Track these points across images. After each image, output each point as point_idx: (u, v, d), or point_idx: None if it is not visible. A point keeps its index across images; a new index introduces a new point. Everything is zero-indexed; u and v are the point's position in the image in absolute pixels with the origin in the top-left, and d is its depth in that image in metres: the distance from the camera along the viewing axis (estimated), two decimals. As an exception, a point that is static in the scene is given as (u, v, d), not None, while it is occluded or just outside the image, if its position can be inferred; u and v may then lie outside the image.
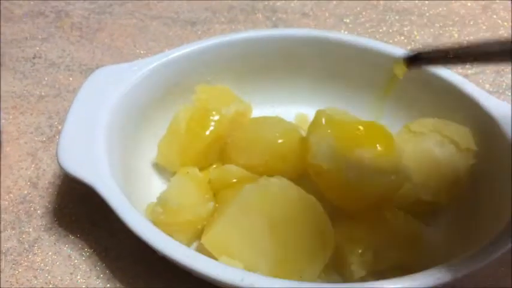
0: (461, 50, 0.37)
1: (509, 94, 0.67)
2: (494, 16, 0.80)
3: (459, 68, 0.71)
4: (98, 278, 0.49)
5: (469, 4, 0.83)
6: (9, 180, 0.56)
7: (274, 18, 0.80)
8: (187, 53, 0.57)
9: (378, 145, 0.48)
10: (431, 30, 0.78)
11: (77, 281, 0.49)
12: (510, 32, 0.77)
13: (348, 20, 0.80)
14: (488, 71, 0.71)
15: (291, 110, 0.62)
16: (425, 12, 0.81)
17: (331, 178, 0.47)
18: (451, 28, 0.78)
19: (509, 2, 0.82)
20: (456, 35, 0.77)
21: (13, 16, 0.79)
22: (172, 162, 0.54)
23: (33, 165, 0.58)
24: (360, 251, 0.46)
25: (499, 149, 0.50)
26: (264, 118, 0.57)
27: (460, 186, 0.51)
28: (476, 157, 0.51)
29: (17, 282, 0.48)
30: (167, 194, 0.49)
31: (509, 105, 0.52)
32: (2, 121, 0.62)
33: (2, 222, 0.53)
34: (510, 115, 0.50)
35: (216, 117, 0.54)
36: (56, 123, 0.63)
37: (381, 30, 0.78)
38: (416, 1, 0.83)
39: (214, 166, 0.56)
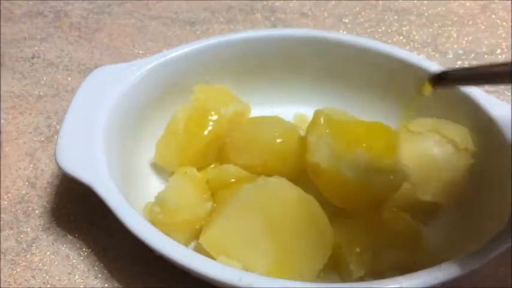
0: (487, 70, 0.36)
1: (509, 94, 0.67)
2: (493, 16, 0.80)
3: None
4: (96, 277, 0.49)
5: (467, 4, 0.83)
6: (7, 180, 0.56)
7: (273, 18, 0.80)
8: (186, 53, 0.57)
9: (376, 145, 0.48)
10: (430, 30, 0.78)
11: (75, 281, 0.48)
12: (509, 31, 0.77)
13: (346, 20, 0.80)
14: (487, 71, 0.71)
15: (289, 109, 0.61)
16: (424, 12, 0.81)
17: (330, 178, 0.47)
18: (449, 28, 0.78)
19: (509, 1, 0.82)
20: (455, 35, 0.77)
21: (12, 16, 0.79)
22: (171, 162, 0.54)
23: (31, 165, 0.58)
24: (358, 250, 0.46)
25: (498, 149, 0.50)
26: (263, 118, 0.57)
27: (459, 186, 0.51)
28: (475, 157, 0.51)
29: (15, 282, 0.48)
30: (165, 193, 0.49)
31: (508, 105, 0.52)
32: (1, 121, 0.62)
33: (0, 222, 0.53)
34: (509, 115, 0.50)
35: (215, 117, 0.54)
36: (54, 123, 0.63)
37: (379, 30, 0.78)
38: (415, 1, 0.83)
39: (213, 166, 0.56)
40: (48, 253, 0.50)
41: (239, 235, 0.45)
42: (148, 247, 0.42)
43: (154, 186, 0.54)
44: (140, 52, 0.74)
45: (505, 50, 0.74)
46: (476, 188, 0.51)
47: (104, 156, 0.48)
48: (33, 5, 0.81)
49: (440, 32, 0.78)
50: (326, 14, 0.81)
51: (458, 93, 0.53)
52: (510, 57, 0.73)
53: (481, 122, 0.52)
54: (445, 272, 0.40)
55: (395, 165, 0.48)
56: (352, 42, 0.59)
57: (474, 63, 0.72)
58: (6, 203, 0.54)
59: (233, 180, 0.51)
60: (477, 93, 0.53)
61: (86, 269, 0.49)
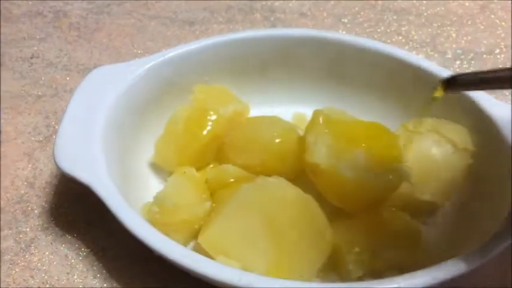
0: (499, 75, 0.36)
1: (508, 94, 0.67)
2: (492, 16, 0.80)
3: (456, 67, 0.71)
4: (94, 277, 0.49)
5: (466, 4, 0.83)
6: (6, 180, 0.56)
7: (272, 18, 0.80)
8: (185, 53, 0.57)
9: (375, 144, 0.48)
10: (429, 30, 0.78)
11: (74, 280, 0.48)
12: (508, 31, 0.77)
13: (346, 20, 0.80)
14: (486, 71, 0.71)
15: (288, 109, 0.62)
16: (423, 12, 0.81)
17: (329, 178, 0.47)
18: (448, 28, 0.78)
19: (507, 1, 0.82)
20: (454, 35, 0.77)
21: (11, 16, 0.79)
22: (170, 162, 0.54)
23: (30, 165, 0.58)
24: (357, 250, 0.46)
25: (497, 149, 0.50)
26: (262, 118, 0.57)
27: (458, 186, 0.51)
28: (475, 157, 0.51)
29: (14, 282, 0.48)
30: (164, 193, 0.49)
31: (508, 105, 0.52)
32: (0, 121, 0.62)
33: (-1, 222, 0.53)
34: (509, 115, 0.50)
35: (214, 117, 0.54)
36: (53, 123, 0.63)
37: (379, 30, 0.78)
38: (414, 1, 0.83)
39: (212, 166, 0.56)
40: (47, 253, 0.50)
41: (238, 235, 0.45)
42: (147, 247, 0.42)
43: (153, 186, 0.54)
44: (139, 52, 0.74)
45: (504, 49, 0.74)
46: (476, 187, 0.51)
47: (103, 156, 0.48)
48: (33, 5, 0.81)
49: (439, 31, 0.78)
50: (325, 14, 0.81)
51: (458, 94, 0.53)
52: (509, 57, 0.73)
53: (480, 122, 0.52)
54: (444, 271, 0.40)
55: (394, 165, 0.48)
56: (351, 42, 0.59)
57: (473, 63, 0.72)
58: (4, 203, 0.54)
59: (232, 180, 0.51)
60: (478, 93, 0.53)
61: (85, 269, 0.49)
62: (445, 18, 0.80)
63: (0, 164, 0.58)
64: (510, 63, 0.72)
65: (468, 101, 0.53)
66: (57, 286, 0.48)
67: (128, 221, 0.43)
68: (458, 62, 0.73)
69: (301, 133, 0.52)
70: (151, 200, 0.49)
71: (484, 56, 0.74)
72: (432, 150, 0.51)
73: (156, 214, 0.47)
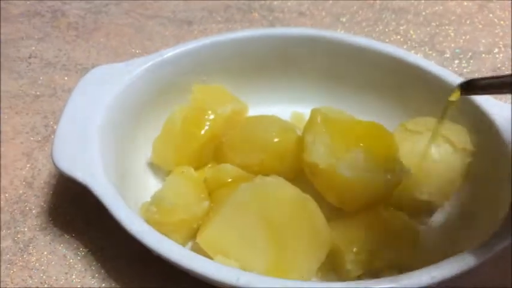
0: None
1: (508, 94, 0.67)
2: (491, 15, 0.80)
3: (455, 67, 0.71)
4: (93, 277, 0.49)
5: (465, 3, 0.83)
6: (4, 180, 0.56)
7: (270, 18, 0.80)
8: (183, 53, 0.57)
9: (373, 144, 0.48)
10: (428, 29, 0.78)
11: (72, 280, 0.48)
12: (506, 30, 0.77)
13: (344, 19, 0.80)
14: (485, 70, 0.71)
15: (287, 109, 0.61)
16: (422, 11, 0.81)
17: (327, 177, 0.47)
18: (447, 27, 0.78)
19: (506, 0, 0.82)
20: (452, 34, 0.77)
21: (9, 16, 0.79)
22: (168, 162, 0.54)
23: (28, 165, 0.58)
24: (356, 250, 0.46)
25: (497, 149, 0.50)
26: (260, 117, 0.57)
27: (457, 186, 0.51)
28: (474, 157, 0.51)
29: (12, 282, 0.48)
30: (162, 193, 0.49)
31: (508, 106, 0.52)
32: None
33: (-2, 222, 0.53)
34: (509, 115, 0.50)
35: (212, 117, 0.54)
36: (51, 122, 0.63)
37: (377, 29, 0.78)
38: (413, 0, 0.83)
39: (210, 165, 0.56)
40: (45, 253, 0.50)
41: (237, 235, 0.45)
42: (146, 247, 0.42)
43: (151, 185, 0.54)
44: (137, 52, 0.74)
45: (503, 49, 0.75)
46: (475, 187, 0.51)
47: (101, 156, 0.48)
48: (31, 5, 0.81)
49: (437, 31, 0.78)
50: (324, 13, 0.81)
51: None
52: (508, 56, 0.73)
53: (480, 122, 0.52)
54: (443, 271, 0.40)
55: (393, 164, 0.48)
56: (350, 42, 0.59)
57: (471, 62, 0.72)
58: (3, 203, 0.54)
59: (230, 179, 0.51)
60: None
61: (83, 269, 0.49)
62: (444, 18, 0.80)
63: (-1, 164, 0.58)
64: (509, 62, 0.72)
65: (468, 101, 0.53)
66: (56, 286, 0.48)
67: (126, 220, 0.43)
68: (456, 61, 0.73)
69: (300, 133, 0.52)
70: (149, 199, 0.49)
71: (483, 55, 0.74)
72: (431, 150, 0.51)
73: (154, 214, 0.47)
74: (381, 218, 0.49)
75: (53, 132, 0.61)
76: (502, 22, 0.79)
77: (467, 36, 0.77)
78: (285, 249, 0.45)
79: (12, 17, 0.79)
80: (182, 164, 0.53)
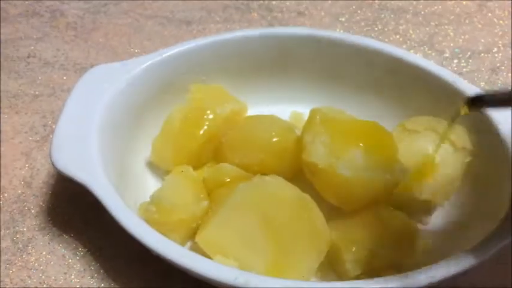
0: None
1: (506, 93, 0.67)
2: (490, 14, 0.80)
3: (454, 66, 0.71)
4: (92, 277, 0.49)
5: (464, 3, 0.83)
6: (3, 180, 0.56)
7: (269, 17, 0.80)
8: (182, 52, 0.57)
9: (372, 144, 0.48)
10: (427, 28, 0.78)
11: (71, 280, 0.48)
12: (506, 30, 0.77)
13: (343, 19, 0.80)
14: (484, 69, 0.71)
15: (286, 108, 0.61)
16: (421, 10, 0.81)
17: (326, 177, 0.47)
18: (446, 27, 0.78)
19: (505, 0, 0.82)
20: (452, 34, 0.77)
21: (8, 16, 0.79)
22: (167, 161, 0.54)
23: (27, 165, 0.58)
24: (355, 249, 0.46)
25: (496, 149, 0.50)
26: (259, 117, 0.57)
27: (457, 186, 0.51)
28: (474, 156, 0.51)
29: (11, 282, 0.48)
30: (161, 192, 0.49)
31: (507, 105, 0.52)
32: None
33: (-4, 222, 0.53)
34: (509, 115, 0.50)
35: (211, 117, 0.54)
36: (50, 122, 0.63)
37: (376, 29, 0.78)
38: (412, 0, 0.83)
39: (209, 165, 0.56)
40: (44, 253, 0.50)
41: (236, 234, 0.45)
42: (145, 247, 0.42)
43: (150, 185, 0.54)
44: (136, 51, 0.74)
45: (502, 48, 0.75)
46: (475, 187, 0.51)
47: (100, 156, 0.47)
48: (29, 5, 0.81)
49: (436, 30, 0.78)
50: (323, 13, 0.81)
51: (456, 92, 0.53)
52: (507, 55, 0.73)
53: (480, 122, 0.52)
54: (443, 271, 0.40)
55: (392, 164, 0.48)
56: (349, 41, 0.59)
57: (471, 61, 0.72)
58: (2, 202, 0.54)
59: (229, 179, 0.51)
60: (473, 91, 0.53)
61: (82, 269, 0.49)
62: (443, 17, 0.80)
63: (-2, 164, 0.58)
64: (508, 62, 0.72)
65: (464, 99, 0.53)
66: (55, 286, 0.48)
67: (125, 220, 0.43)
68: (456, 61, 0.73)
69: (299, 132, 0.52)
70: (148, 199, 0.49)
71: (482, 54, 0.74)
72: (430, 150, 0.51)
73: (153, 213, 0.47)
74: (380, 217, 0.49)
75: (52, 132, 0.61)
76: (501, 21, 0.79)
77: (467, 36, 0.77)
78: (284, 248, 0.45)
79: (11, 17, 0.79)
80: (181, 163, 0.53)
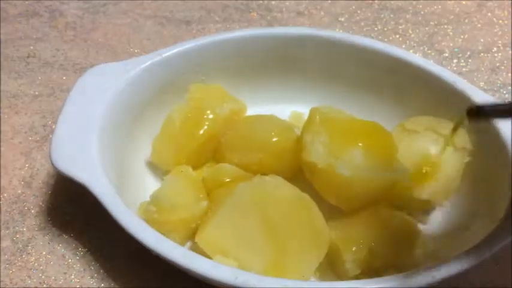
0: None
1: (504, 92, 0.67)
2: (489, 14, 0.80)
3: (453, 66, 0.71)
4: (92, 277, 0.49)
5: (463, 2, 0.83)
6: (3, 180, 0.56)
7: (269, 17, 0.80)
8: (181, 52, 0.57)
9: (372, 143, 0.48)
10: (426, 28, 0.78)
11: (71, 280, 0.48)
12: (505, 29, 0.77)
13: (343, 19, 0.80)
14: (483, 69, 0.71)
15: (285, 108, 0.61)
16: (420, 10, 0.81)
17: (326, 176, 0.47)
18: (445, 26, 0.78)
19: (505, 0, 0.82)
20: (451, 33, 0.77)
21: (8, 16, 0.79)
22: (166, 161, 0.54)
23: (27, 165, 0.58)
24: (354, 249, 0.46)
25: (496, 149, 0.50)
26: (259, 117, 0.57)
27: (456, 185, 0.51)
28: (473, 156, 0.51)
29: (11, 282, 0.48)
30: (160, 192, 0.48)
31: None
32: (-1, 121, 0.62)
33: (-4, 222, 0.53)
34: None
35: (210, 116, 0.54)
36: (49, 122, 0.63)
37: (376, 29, 0.78)
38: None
39: (208, 165, 0.56)
40: (44, 253, 0.50)
41: (235, 234, 0.45)
42: (144, 246, 0.42)
43: (149, 185, 0.54)
44: (136, 51, 0.74)
45: (501, 48, 0.75)
46: (474, 187, 0.51)
47: (99, 156, 0.47)
48: (29, 5, 0.81)
49: (436, 30, 0.78)
50: (322, 13, 0.80)
51: (456, 92, 0.53)
52: (507, 55, 0.73)
53: (479, 122, 0.52)
54: (443, 270, 0.40)
55: (392, 163, 0.48)
56: (348, 41, 0.59)
57: (470, 61, 0.72)
58: (2, 202, 0.54)
59: (229, 179, 0.51)
60: (475, 92, 0.53)
61: (82, 269, 0.49)
62: (442, 17, 0.80)
63: (-3, 164, 0.58)
64: (507, 62, 0.72)
65: (467, 100, 0.53)
66: (55, 286, 0.48)
67: (125, 220, 0.43)
68: (455, 61, 0.73)
69: (299, 132, 0.52)
70: (148, 199, 0.49)
71: (482, 54, 0.74)
72: (429, 149, 0.51)
73: (153, 213, 0.47)
74: (380, 217, 0.49)
75: (52, 132, 0.61)
76: (500, 21, 0.79)
77: (466, 36, 0.77)
78: (284, 248, 0.45)
79: (11, 17, 0.79)
80: (181, 163, 0.53)
